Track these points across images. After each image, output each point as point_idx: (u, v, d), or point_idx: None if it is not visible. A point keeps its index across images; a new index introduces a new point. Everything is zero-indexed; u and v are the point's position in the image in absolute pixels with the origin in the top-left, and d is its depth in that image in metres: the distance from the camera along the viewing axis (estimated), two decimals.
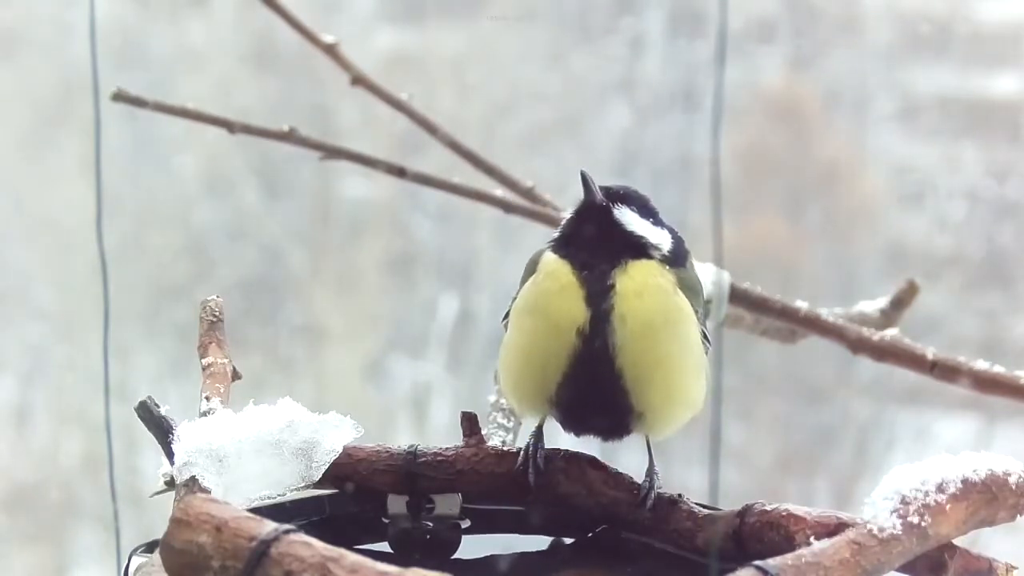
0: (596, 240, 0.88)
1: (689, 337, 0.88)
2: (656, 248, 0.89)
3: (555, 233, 0.92)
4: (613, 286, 0.86)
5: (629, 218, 0.89)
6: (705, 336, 0.90)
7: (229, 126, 1.38)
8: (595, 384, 0.87)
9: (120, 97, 1.33)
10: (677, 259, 0.90)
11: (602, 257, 0.88)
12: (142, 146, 2.98)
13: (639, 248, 0.88)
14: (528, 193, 1.41)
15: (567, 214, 0.92)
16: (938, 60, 3.11)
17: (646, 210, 0.90)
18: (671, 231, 0.91)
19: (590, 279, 0.87)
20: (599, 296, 0.86)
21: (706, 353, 0.90)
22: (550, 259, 0.89)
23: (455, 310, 3.15)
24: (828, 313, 1.36)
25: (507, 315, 0.92)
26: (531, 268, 0.91)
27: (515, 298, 0.91)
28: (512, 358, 0.90)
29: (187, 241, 3.17)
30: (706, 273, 1.25)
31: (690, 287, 0.89)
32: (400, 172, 1.39)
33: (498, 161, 1.44)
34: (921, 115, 3.15)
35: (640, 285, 0.87)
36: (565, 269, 0.88)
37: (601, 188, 0.90)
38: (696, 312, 0.89)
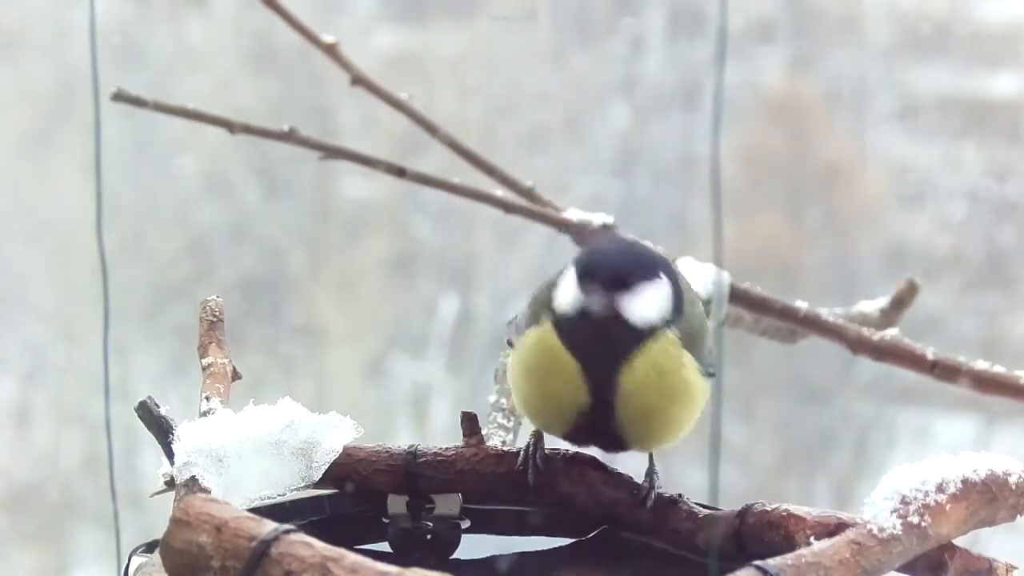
0: (606, 343, 0.84)
1: (694, 400, 0.87)
2: (661, 321, 0.85)
3: (561, 306, 0.85)
4: (618, 382, 0.85)
5: (637, 310, 0.83)
6: (711, 373, 0.88)
7: (229, 126, 1.38)
8: (596, 436, 0.88)
9: (120, 97, 1.33)
10: (678, 311, 0.86)
11: (609, 356, 0.84)
12: (142, 146, 2.98)
13: (647, 334, 0.84)
14: (528, 193, 1.40)
15: (568, 292, 0.84)
16: (938, 60, 3.11)
17: (644, 270, 0.84)
18: (664, 268, 0.86)
19: (595, 376, 0.85)
20: (603, 389, 0.85)
21: (712, 377, 0.89)
22: (556, 348, 0.85)
23: (455, 310, 3.15)
24: (828, 313, 1.36)
25: (511, 321, 0.91)
26: (537, 303, 0.87)
27: (517, 324, 0.90)
28: (519, 402, 0.91)
29: (187, 241, 3.17)
30: (706, 273, 1.25)
31: (693, 336, 0.87)
32: (400, 172, 1.39)
33: (498, 161, 1.44)
34: (921, 115, 3.15)
35: (644, 376, 0.85)
36: (571, 366, 0.85)
37: (593, 269, 0.83)
38: (701, 360, 0.87)
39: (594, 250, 0.87)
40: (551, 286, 0.87)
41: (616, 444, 0.89)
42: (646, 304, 0.84)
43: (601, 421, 0.86)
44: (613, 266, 0.84)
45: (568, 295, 0.85)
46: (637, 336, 0.84)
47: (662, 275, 0.85)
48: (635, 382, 0.85)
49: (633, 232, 1.29)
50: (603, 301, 0.83)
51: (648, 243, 0.90)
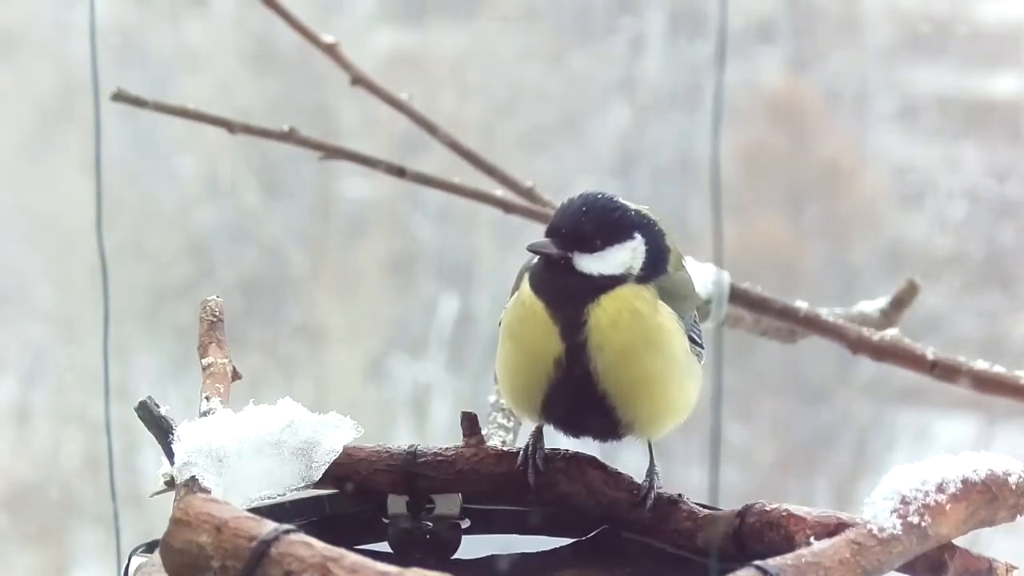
0: (566, 287, 0.87)
1: (672, 351, 0.87)
2: (628, 274, 0.87)
3: (533, 262, 0.90)
4: (586, 321, 0.86)
5: (591, 264, 0.87)
6: (695, 340, 0.89)
7: (229, 126, 1.38)
8: (579, 402, 0.88)
9: (120, 97, 1.33)
10: (656, 268, 0.88)
11: (572, 297, 0.87)
12: (142, 146, 2.98)
13: (608, 285, 0.87)
14: (528, 193, 1.41)
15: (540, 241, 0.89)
16: (938, 60, 3.11)
17: (610, 228, 0.87)
18: (645, 233, 0.88)
19: (563, 317, 0.86)
20: (573, 331, 0.86)
21: (700, 355, 0.90)
22: (526, 292, 0.89)
23: (455, 310, 3.15)
24: (828, 313, 1.36)
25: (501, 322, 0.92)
26: (519, 282, 0.91)
27: (506, 308, 0.91)
28: (501, 373, 0.91)
29: (187, 241, 3.17)
30: (706, 273, 1.25)
31: (673, 294, 0.88)
32: (400, 172, 1.39)
33: (498, 161, 1.44)
34: (921, 115, 3.15)
35: (614, 315, 0.86)
36: (538, 306, 0.87)
37: (557, 227, 0.87)
38: (683, 318, 0.88)
39: (563, 206, 0.89)
40: (527, 266, 0.90)
41: (602, 416, 0.88)
42: (603, 260, 0.87)
43: (579, 374, 0.86)
44: (571, 224, 0.87)
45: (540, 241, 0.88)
46: (593, 283, 0.86)
47: (636, 234, 0.88)
48: (605, 318, 0.86)
49: None
50: (547, 244, 0.87)
51: (640, 206, 0.90)
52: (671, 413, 0.89)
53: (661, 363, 0.87)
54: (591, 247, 0.87)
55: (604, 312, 0.86)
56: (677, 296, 0.88)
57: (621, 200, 0.89)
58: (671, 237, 0.91)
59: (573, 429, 0.90)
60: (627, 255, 0.87)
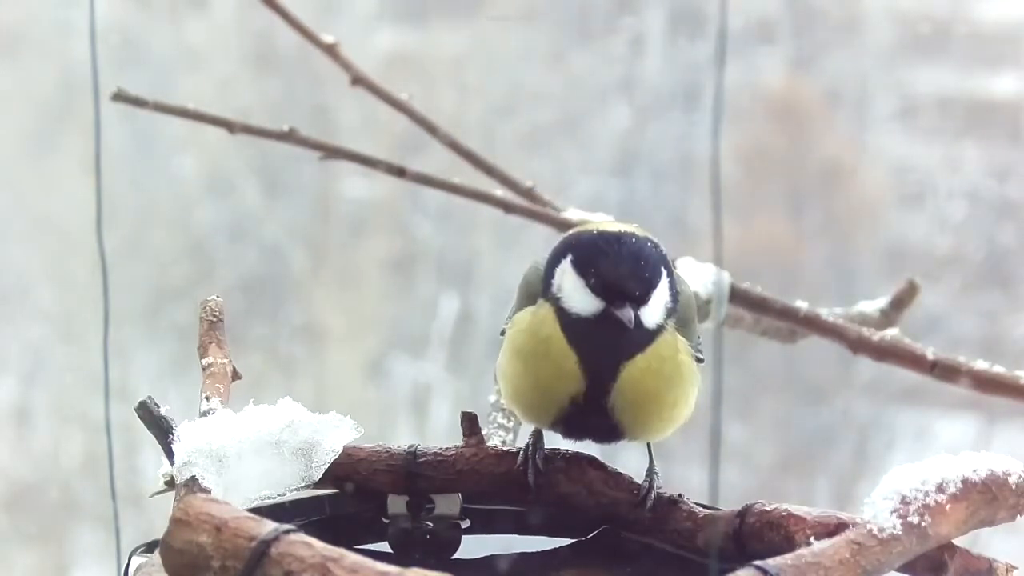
0: (619, 345, 0.85)
1: (684, 379, 0.88)
2: (669, 314, 0.86)
3: (567, 304, 0.85)
4: (619, 374, 0.85)
5: (649, 316, 0.85)
6: (698, 359, 0.89)
7: (229, 126, 1.38)
8: (589, 424, 0.88)
9: (120, 97, 1.33)
10: (675, 303, 0.87)
11: (617, 355, 0.85)
12: (142, 146, 2.98)
13: (658, 332, 0.86)
14: (528, 193, 1.41)
15: (579, 295, 0.85)
16: (938, 60, 3.11)
17: (655, 275, 0.85)
18: (664, 263, 0.87)
19: (595, 372, 0.85)
20: (601, 383, 0.86)
21: (700, 362, 0.90)
22: (556, 342, 0.86)
23: (455, 310, 3.15)
24: (828, 313, 1.36)
25: (504, 331, 0.91)
26: (528, 289, 0.89)
27: (511, 315, 0.90)
28: (508, 385, 0.90)
29: (187, 241, 3.17)
30: (706, 273, 1.26)
31: (685, 321, 0.88)
32: (400, 172, 1.39)
33: (498, 161, 1.44)
34: (921, 115, 3.15)
35: (644, 367, 0.86)
36: (571, 361, 0.85)
37: (632, 291, 0.84)
38: (692, 339, 0.88)
39: (600, 251, 0.86)
40: (536, 271, 0.88)
41: (610, 432, 0.88)
42: (657, 308, 0.85)
43: (595, 407, 0.86)
44: (640, 282, 0.84)
45: (581, 298, 0.85)
46: (649, 337, 0.85)
47: (663, 271, 0.86)
48: (637, 371, 0.85)
49: None
50: (630, 316, 0.83)
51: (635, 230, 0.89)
52: (675, 425, 0.90)
53: (676, 394, 0.88)
54: (649, 297, 0.85)
55: (636, 366, 0.85)
56: (687, 321, 0.88)
57: (641, 234, 0.87)
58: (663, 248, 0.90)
59: (575, 436, 0.91)
60: (664, 295, 0.86)
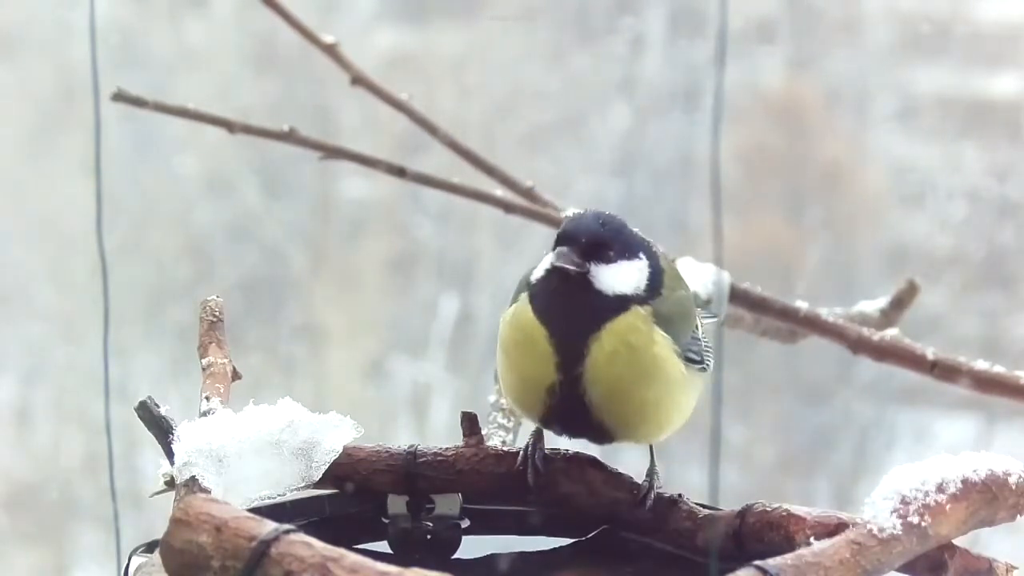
0: (574, 310, 0.86)
1: (668, 377, 0.87)
2: (634, 296, 0.86)
3: (535, 274, 0.87)
4: (586, 355, 0.85)
5: (608, 278, 0.85)
6: (692, 359, 0.89)
7: (229, 126, 1.38)
8: (577, 421, 0.88)
9: (120, 97, 1.33)
10: (653, 291, 0.87)
11: (579, 324, 0.85)
12: (142, 146, 2.98)
13: (619, 306, 0.86)
14: (528, 193, 1.41)
15: (544, 261, 0.87)
16: (938, 60, 3.11)
17: (622, 245, 0.86)
18: (647, 255, 0.88)
19: (564, 348, 0.85)
20: (571, 363, 0.85)
21: (703, 369, 0.90)
22: (526, 317, 0.87)
23: (455, 310, 3.15)
24: (828, 313, 1.36)
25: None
26: (518, 288, 0.90)
27: (504, 317, 0.91)
28: (502, 378, 0.91)
29: (187, 241, 3.17)
30: (706, 273, 1.25)
31: (669, 318, 0.87)
32: (400, 172, 1.39)
33: (498, 161, 1.44)
34: (921, 115, 3.15)
35: (611, 351, 0.85)
36: (539, 334, 0.86)
37: (575, 234, 0.85)
38: (678, 340, 0.87)
39: (576, 217, 0.88)
40: (530, 270, 0.89)
41: (598, 431, 0.88)
42: (617, 275, 0.85)
43: (573, 399, 0.86)
44: (590, 232, 0.85)
45: (543, 262, 0.87)
46: (605, 304, 0.85)
47: (640, 254, 0.87)
48: (602, 354, 0.85)
49: None
50: (575, 260, 0.84)
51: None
52: (666, 428, 0.89)
53: (656, 391, 0.87)
54: (607, 257, 0.85)
55: (601, 348, 0.85)
56: (673, 319, 0.88)
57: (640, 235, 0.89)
58: (665, 257, 0.91)
59: (571, 434, 0.91)
60: (635, 274, 0.86)
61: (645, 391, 0.87)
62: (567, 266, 0.84)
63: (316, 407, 0.86)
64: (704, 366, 0.90)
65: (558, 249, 0.85)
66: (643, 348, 0.86)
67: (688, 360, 0.88)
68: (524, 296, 0.88)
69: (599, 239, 0.85)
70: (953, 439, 2.96)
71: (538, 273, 0.87)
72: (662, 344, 0.86)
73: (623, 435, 0.89)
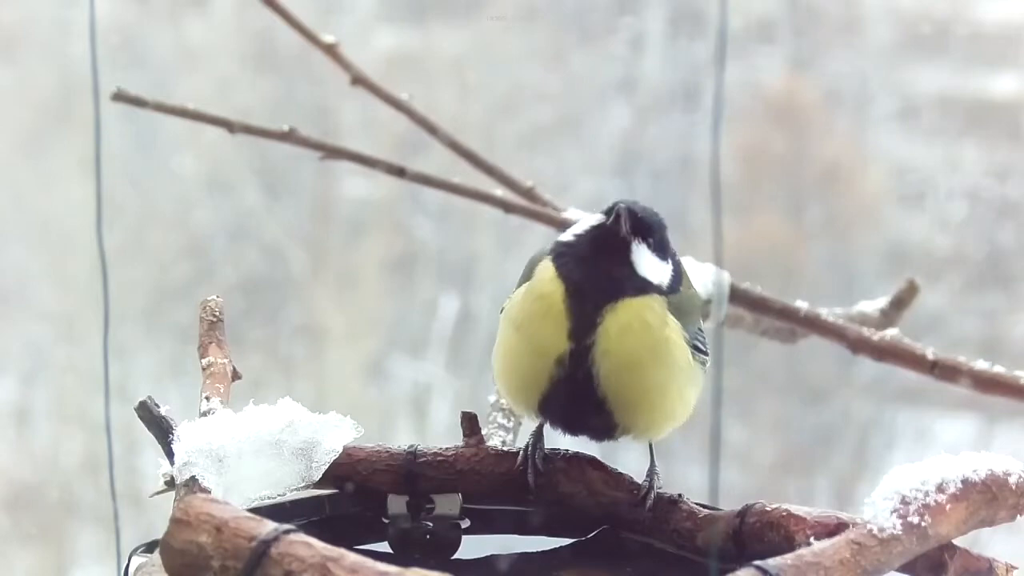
0: (602, 273, 0.87)
1: (675, 362, 0.87)
2: (656, 287, 0.88)
3: (563, 238, 0.90)
4: (600, 323, 0.86)
5: (644, 260, 0.87)
6: (699, 348, 0.89)
7: (229, 126, 1.38)
8: (578, 404, 0.87)
9: (120, 97, 1.33)
10: (673, 287, 0.89)
11: (600, 290, 0.86)
12: (142, 146, 2.98)
13: (640, 288, 0.87)
14: (528, 193, 1.40)
15: (582, 224, 0.89)
16: (938, 60, 3.11)
17: (661, 245, 0.89)
18: (673, 258, 0.90)
19: (579, 312, 0.86)
20: (584, 330, 0.86)
21: (704, 362, 0.90)
22: (546, 276, 0.88)
23: (455, 310, 3.15)
24: (828, 313, 1.36)
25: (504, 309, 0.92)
26: (529, 271, 0.90)
27: (510, 298, 0.91)
28: (500, 365, 0.91)
29: (187, 241, 3.17)
30: (706, 273, 1.25)
31: (682, 309, 0.89)
32: (400, 172, 1.39)
33: (498, 161, 1.44)
34: (921, 115, 3.15)
35: (626, 324, 0.86)
36: (557, 295, 0.87)
37: (630, 211, 0.87)
38: (687, 328, 0.88)
39: (632, 200, 0.90)
40: (541, 251, 0.90)
41: (600, 416, 0.88)
42: (650, 263, 0.88)
43: (580, 376, 0.86)
44: (646, 213, 0.88)
45: (583, 224, 0.89)
46: (630, 280, 0.87)
47: (669, 260, 0.89)
48: (616, 324, 0.86)
49: None
50: (625, 228, 0.86)
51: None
52: (669, 420, 0.89)
53: (663, 374, 0.87)
54: (648, 244, 0.88)
55: (616, 318, 0.86)
56: (684, 311, 0.89)
57: None
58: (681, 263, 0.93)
59: (570, 427, 0.90)
60: (662, 272, 0.88)
61: (652, 371, 0.87)
62: (622, 225, 0.86)
63: (316, 407, 0.86)
64: (707, 357, 0.90)
65: (617, 207, 0.87)
66: (656, 327, 0.87)
67: (695, 349, 0.89)
68: (546, 261, 0.89)
69: (650, 223, 0.88)
70: (953, 439, 2.96)
71: (569, 235, 0.89)
72: (673, 328, 0.87)
73: (625, 421, 0.88)
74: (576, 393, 0.87)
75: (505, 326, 0.90)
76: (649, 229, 0.88)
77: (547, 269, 0.88)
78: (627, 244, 0.87)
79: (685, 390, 0.89)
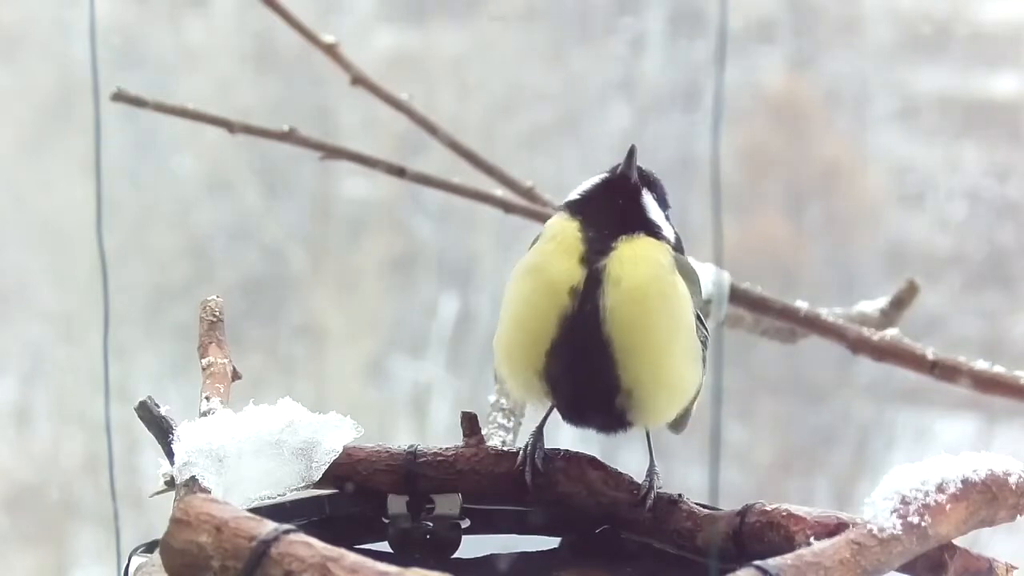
0: (614, 213, 0.89)
1: (681, 314, 0.87)
2: (665, 237, 0.90)
3: (571, 196, 0.92)
4: (613, 249, 0.87)
5: (652, 206, 0.91)
6: (701, 321, 0.89)
7: (229, 126, 1.38)
8: (583, 353, 0.86)
9: (120, 97, 1.33)
10: (677, 246, 0.91)
11: (616, 223, 0.88)
12: (142, 146, 2.98)
13: (650, 231, 0.89)
14: (528, 193, 1.41)
15: (587, 183, 0.92)
16: (938, 60, 3.11)
17: (664, 203, 0.92)
18: (675, 231, 0.92)
19: (593, 240, 0.87)
20: (596, 256, 0.86)
21: (704, 346, 0.90)
22: (558, 219, 0.90)
23: (455, 310, 3.15)
24: (828, 313, 1.36)
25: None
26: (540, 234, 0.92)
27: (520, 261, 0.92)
28: (505, 325, 0.90)
29: (187, 241, 3.17)
30: (706, 273, 1.25)
31: (687, 275, 0.90)
32: (400, 172, 1.39)
33: (498, 161, 1.44)
34: (921, 115, 3.15)
35: (639, 254, 0.87)
36: (572, 227, 0.88)
37: (637, 165, 0.91)
38: (693, 296, 0.89)
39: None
40: (546, 223, 0.92)
41: (607, 385, 0.86)
42: (658, 211, 0.91)
43: (589, 307, 0.85)
44: (649, 172, 0.93)
45: (587, 182, 0.92)
46: (645, 224, 0.89)
47: (669, 219, 0.92)
48: (630, 251, 0.87)
49: None
50: (636, 176, 0.91)
51: None
52: (672, 386, 0.88)
53: (669, 320, 0.87)
54: (656, 195, 0.92)
55: (631, 248, 0.87)
56: (689, 277, 0.90)
57: None
58: None
59: (572, 406, 0.89)
60: (667, 225, 0.91)
61: (659, 314, 0.86)
62: (632, 172, 0.90)
63: (316, 407, 0.86)
64: (707, 337, 0.90)
65: (623, 163, 0.91)
66: (666, 267, 0.88)
67: (698, 321, 0.89)
68: (554, 216, 0.91)
69: (653, 178, 0.93)
70: (953, 439, 2.96)
71: (576, 193, 0.91)
72: (680, 281, 0.88)
73: (628, 379, 0.86)
74: (583, 336, 0.85)
75: (513, 282, 0.90)
76: (653, 184, 0.92)
77: (558, 218, 0.91)
78: (638, 188, 0.90)
79: (689, 358, 0.87)
